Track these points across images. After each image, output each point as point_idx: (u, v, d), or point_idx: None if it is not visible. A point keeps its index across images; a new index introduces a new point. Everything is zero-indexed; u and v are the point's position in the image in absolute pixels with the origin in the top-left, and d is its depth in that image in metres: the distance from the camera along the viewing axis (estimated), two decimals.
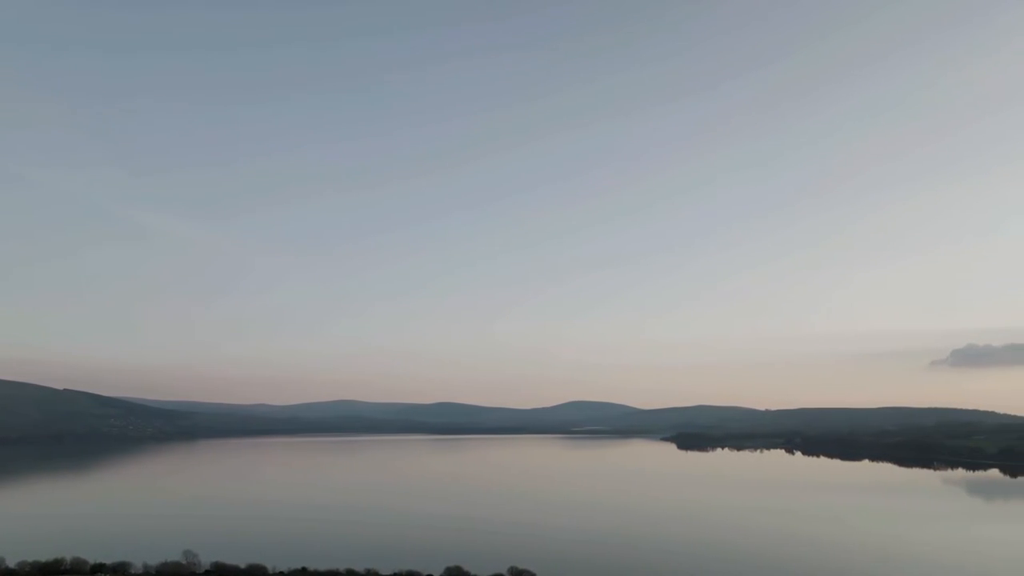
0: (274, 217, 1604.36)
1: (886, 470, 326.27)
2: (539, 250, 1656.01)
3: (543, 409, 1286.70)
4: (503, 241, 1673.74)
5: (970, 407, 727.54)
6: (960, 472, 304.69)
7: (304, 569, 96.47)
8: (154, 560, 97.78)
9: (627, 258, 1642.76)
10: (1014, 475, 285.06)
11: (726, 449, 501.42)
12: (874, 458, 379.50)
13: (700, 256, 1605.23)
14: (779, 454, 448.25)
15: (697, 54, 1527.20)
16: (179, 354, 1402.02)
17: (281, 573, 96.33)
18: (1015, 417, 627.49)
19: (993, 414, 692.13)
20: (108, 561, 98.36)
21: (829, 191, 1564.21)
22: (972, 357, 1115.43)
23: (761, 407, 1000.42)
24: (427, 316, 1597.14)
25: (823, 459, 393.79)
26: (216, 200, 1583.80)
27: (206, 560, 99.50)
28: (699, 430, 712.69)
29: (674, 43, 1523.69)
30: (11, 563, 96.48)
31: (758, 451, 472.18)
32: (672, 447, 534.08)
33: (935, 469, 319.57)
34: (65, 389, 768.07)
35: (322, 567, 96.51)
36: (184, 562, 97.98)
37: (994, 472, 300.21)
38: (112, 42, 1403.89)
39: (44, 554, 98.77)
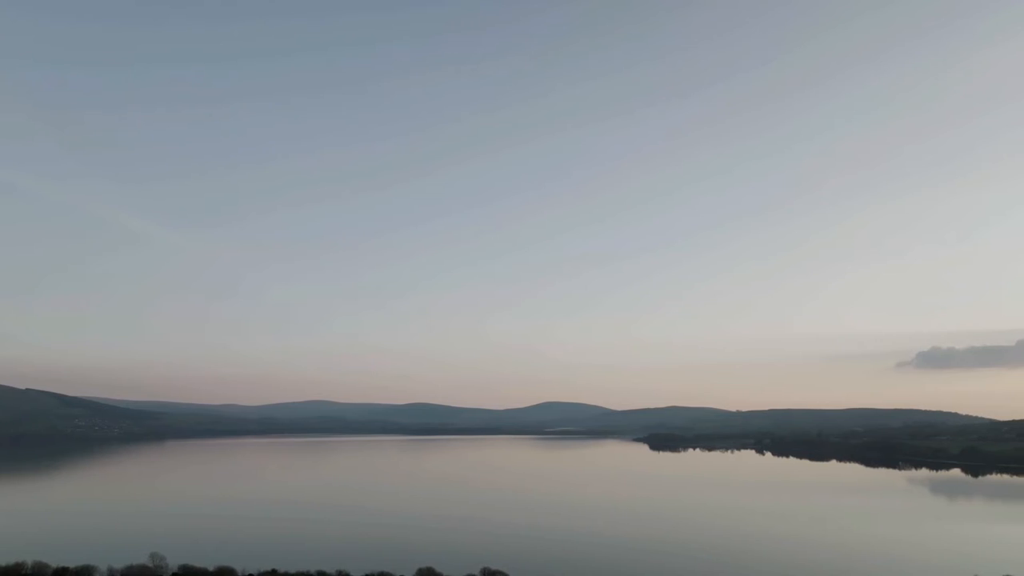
0: (259, 223, 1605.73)
1: (853, 470, 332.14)
2: (524, 252, 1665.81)
3: (517, 410, 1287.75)
4: (489, 244, 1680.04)
5: (934, 408, 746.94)
6: (924, 472, 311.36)
7: (274, 571, 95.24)
8: (119, 563, 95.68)
9: (606, 261, 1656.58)
10: (975, 475, 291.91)
11: (697, 450, 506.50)
12: (842, 459, 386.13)
13: (680, 259, 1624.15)
14: (749, 455, 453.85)
15: (680, 58, 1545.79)
16: (147, 354, 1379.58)
17: (251, 575, 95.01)
18: (976, 418, 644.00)
19: (955, 415, 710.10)
20: (71, 565, 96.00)
21: (804, 196, 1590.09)
22: (936, 359, 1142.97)
23: (732, 408, 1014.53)
24: (405, 318, 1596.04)
25: (792, 460, 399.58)
26: (204, 206, 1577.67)
27: (173, 563, 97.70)
28: (671, 431, 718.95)
29: (656, 48, 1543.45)
30: None
31: (728, 452, 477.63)
32: (644, 448, 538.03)
33: (900, 469, 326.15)
34: (27, 389, 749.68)
35: (292, 569, 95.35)
36: (151, 565, 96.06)
37: (956, 472, 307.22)
38: (110, 56, 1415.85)
39: (3, 558, 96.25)
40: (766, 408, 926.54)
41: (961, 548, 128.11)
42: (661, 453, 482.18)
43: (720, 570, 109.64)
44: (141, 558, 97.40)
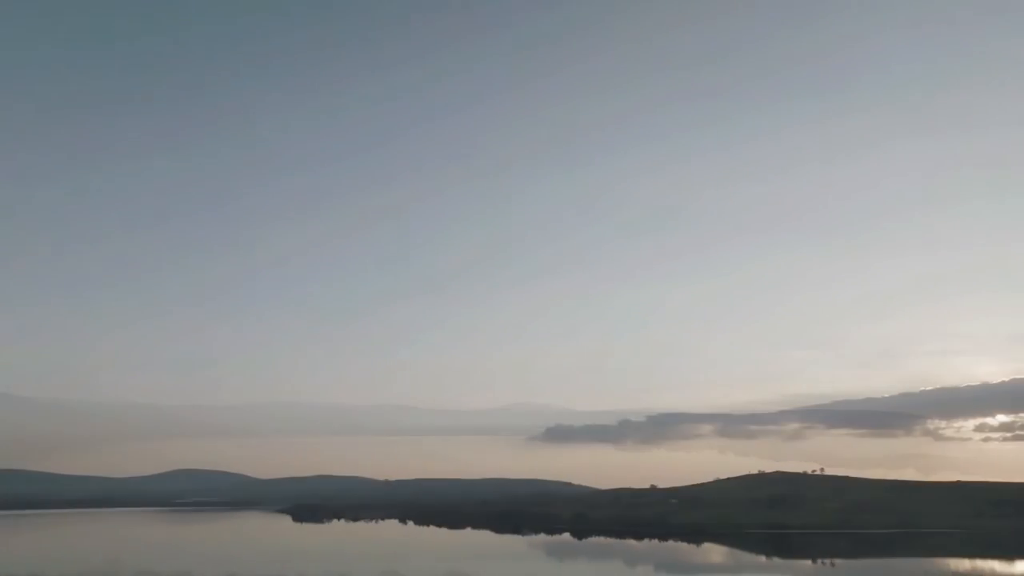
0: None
1: (484, 536, 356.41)
2: None
3: (141, 478, 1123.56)
4: None
5: (553, 479, 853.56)
6: (542, 536, 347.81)
7: None
8: None
9: None
10: (580, 538, 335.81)
11: (343, 520, 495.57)
12: (476, 526, 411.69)
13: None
14: (392, 524, 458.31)
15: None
16: None
17: None
18: (584, 487, 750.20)
19: (569, 485, 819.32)
20: None
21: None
22: (559, 435, 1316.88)
23: (380, 477, 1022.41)
24: None
25: (432, 528, 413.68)
26: None
27: None
28: (317, 501, 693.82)
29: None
30: None
31: (373, 521, 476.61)
32: (287, 519, 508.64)
33: (523, 535, 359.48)
34: None
35: None
36: None
37: (566, 536, 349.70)
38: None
39: None
40: (412, 478, 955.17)
41: None
42: (305, 525, 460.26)
43: None
44: None
